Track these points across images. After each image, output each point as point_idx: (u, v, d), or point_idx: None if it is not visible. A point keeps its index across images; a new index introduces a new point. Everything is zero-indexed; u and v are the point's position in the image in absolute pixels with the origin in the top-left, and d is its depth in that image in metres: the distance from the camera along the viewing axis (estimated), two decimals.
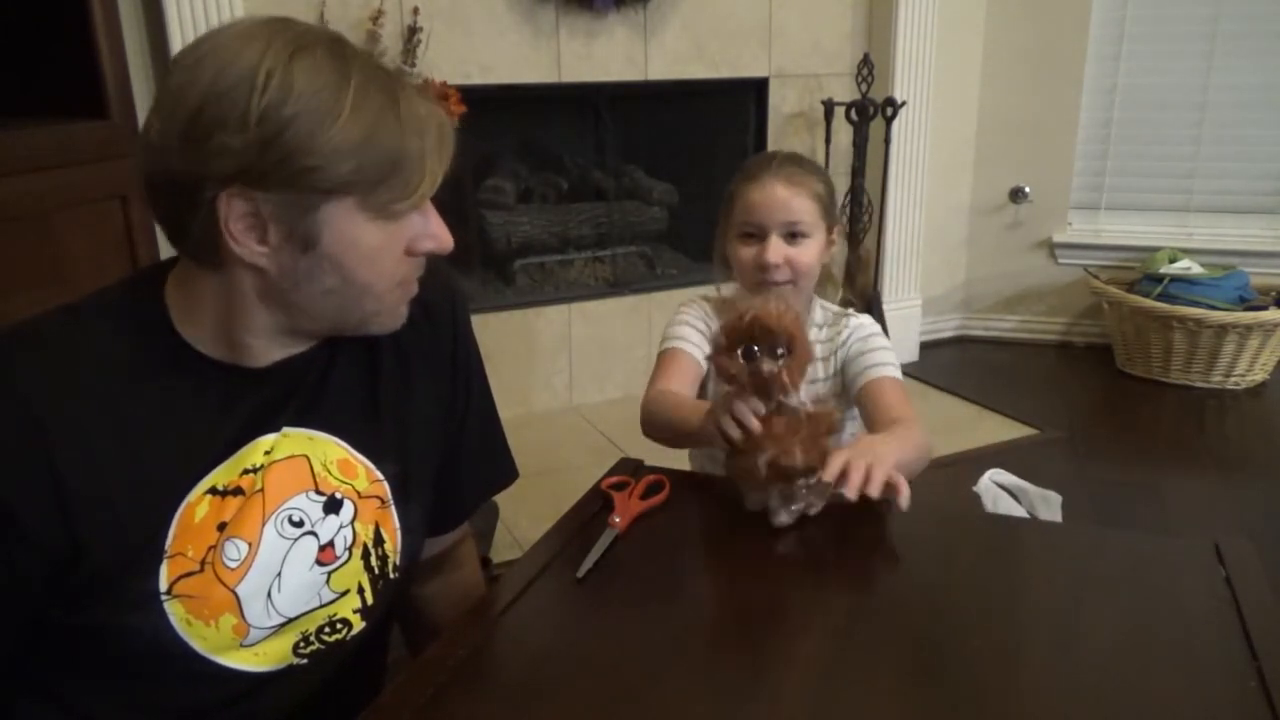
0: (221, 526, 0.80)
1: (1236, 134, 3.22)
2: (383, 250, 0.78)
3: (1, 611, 0.75)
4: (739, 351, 0.96)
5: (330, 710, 0.88)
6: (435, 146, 0.78)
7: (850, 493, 0.93)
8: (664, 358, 1.35)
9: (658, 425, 1.25)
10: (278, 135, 0.70)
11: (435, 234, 0.83)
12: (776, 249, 1.29)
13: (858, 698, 0.74)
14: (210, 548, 0.79)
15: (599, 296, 2.95)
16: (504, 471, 1.06)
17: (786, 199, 1.29)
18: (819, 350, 1.35)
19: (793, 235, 1.30)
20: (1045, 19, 3.23)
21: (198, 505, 0.79)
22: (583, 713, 0.72)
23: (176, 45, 2.14)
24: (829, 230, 1.34)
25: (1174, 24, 3.19)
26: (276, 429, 0.83)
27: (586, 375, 2.95)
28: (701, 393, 1.36)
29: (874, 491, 0.93)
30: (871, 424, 1.27)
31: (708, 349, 1.35)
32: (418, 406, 0.92)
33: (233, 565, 0.80)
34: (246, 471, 0.81)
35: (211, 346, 0.81)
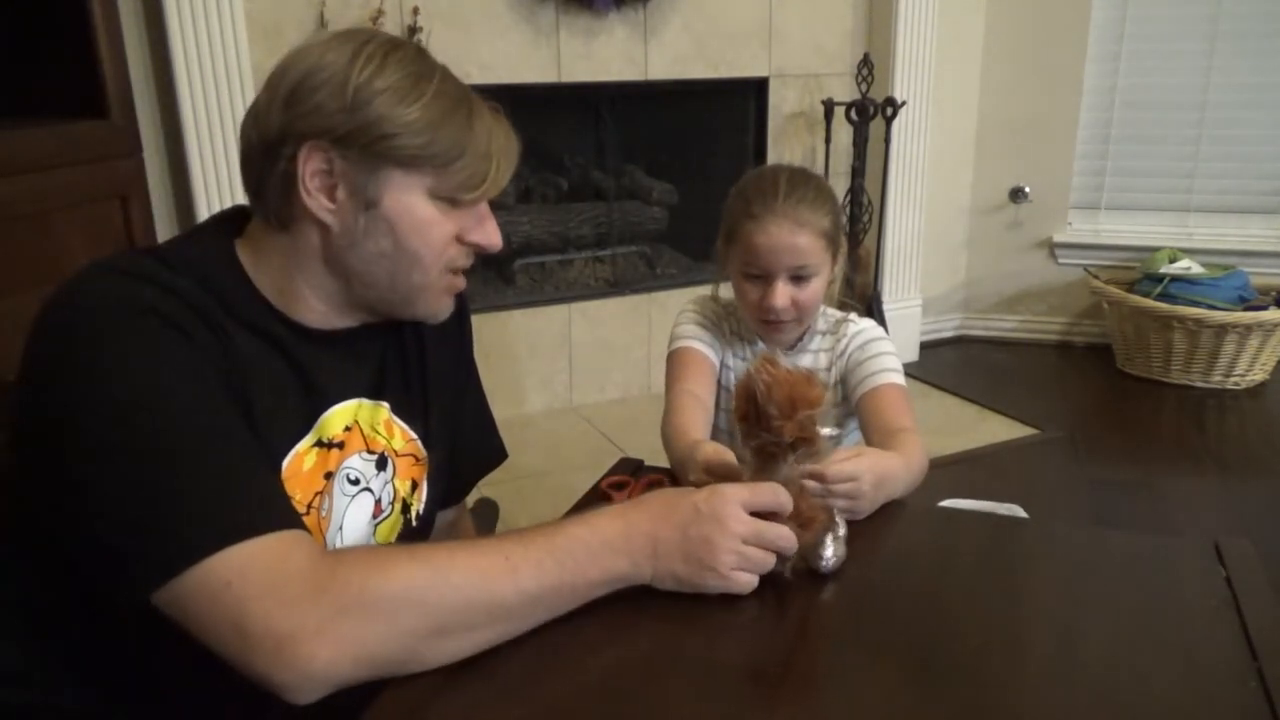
0: (328, 476, 0.88)
1: (1236, 134, 3.22)
2: (435, 226, 0.86)
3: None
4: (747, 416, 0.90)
5: None
6: (500, 152, 0.87)
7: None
8: (676, 358, 1.32)
9: (668, 453, 1.18)
10: (366, 104, 0.80)
11: (487, 230, 0.90)
12: (782, 294, 1.24)
13: (857, 698, 0.74)
14: (317, 493, 0.86)
15: (599, 296, 2.95)
16: (497, 451, 1.16)
17: (792, 243, 1.22)
18: (822, 359, 1.35)
19: (798, 277, 1.25)
20: (1045, 19, 3.24)
21: (305, 455, 0.86)
22: (581, 713, 0.72)
23: (176, 45, 2.14)
24: (834, 256, 1.29)
25: (1174, 24, 3.19)
26: (360, 393, 0.92)
27: (586, 375, 2.95)
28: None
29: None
30: (870, 433, 1.23)
31: (717, 345, 1.36)
32: (432, 379, 1.00)
33: (324, 514, 0.88)
34: (348, 428, 0.90)
35: (283, 305, 0.87)
